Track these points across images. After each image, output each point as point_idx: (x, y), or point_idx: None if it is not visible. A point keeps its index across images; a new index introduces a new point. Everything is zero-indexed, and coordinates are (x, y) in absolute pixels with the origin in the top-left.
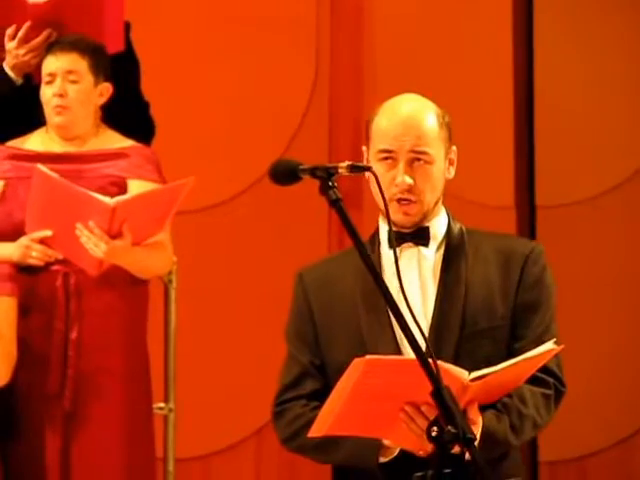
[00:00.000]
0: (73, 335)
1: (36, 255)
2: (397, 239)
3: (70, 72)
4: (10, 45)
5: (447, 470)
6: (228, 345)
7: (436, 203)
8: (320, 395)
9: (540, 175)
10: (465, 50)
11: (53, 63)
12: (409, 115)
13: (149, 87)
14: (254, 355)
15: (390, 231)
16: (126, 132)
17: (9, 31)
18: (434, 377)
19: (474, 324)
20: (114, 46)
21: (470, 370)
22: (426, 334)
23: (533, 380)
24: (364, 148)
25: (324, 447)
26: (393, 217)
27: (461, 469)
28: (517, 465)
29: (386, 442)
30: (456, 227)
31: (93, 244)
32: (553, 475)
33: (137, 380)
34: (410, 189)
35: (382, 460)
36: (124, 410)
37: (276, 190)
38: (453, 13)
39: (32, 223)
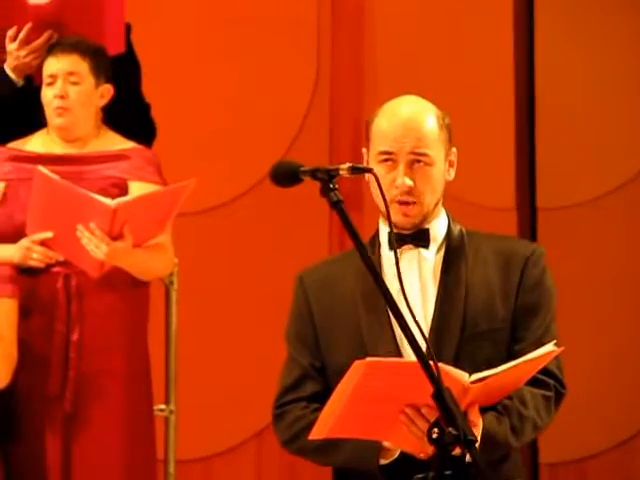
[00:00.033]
0: (74, 337)
1: (37, 257)
2: (397, 241)
3: (71, 74)
4: (11, 46)
5: (448, 472)
6: (229, 347)
7: (436, 205)
8: (320, 397)
9: (541, 177)
10: (466, 51)
11: (54, 65)
12: (409, 117)
13: (150, 89)
14: (255, 357)
15: (391, 232)
16: (127, 134)
17: (10, 32)
18: (435, 378)
19: (474, 326)
20: (115, 48)
21: (470, 372)
22: (426, 336)
23: (533, 382)
24: (364, 150)
25: (324, 449)
26: (393, 218)
27: (462, 471)
28: (517, 467)
29: (386, 444)
30: (456, 229)
31: (94, 246)
32: (553, 477)
33: (138, 382)
34: (410, 191)
35: (383, 462)
36: (125, 412)
37: (277, 192)
38: (454, 14)
39: (33, 225)
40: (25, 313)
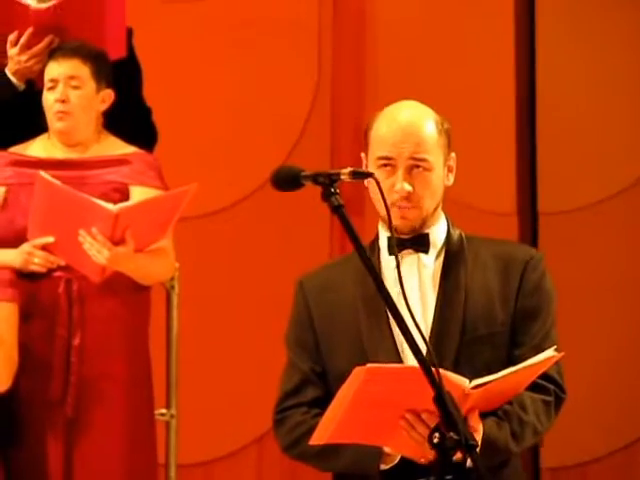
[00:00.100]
0: (75, 341)
1: (38, 262)
2: (397, 246)
3: (72, 78)
4: (12, 51)
5: (449, 477)
6: (230, 351)
7: (435, 210)
8: (321, 402)
9: (542, 181)
10: (467, 55)
11: (55, 69)
12: (408, 122)
13: (151, 93)
14: (256, 361)
15: (392, 237)
16: (128, 138)
17: (11, 37)
18: (436, 383)
19: (474, 330)
20: (116, 52)
21: (470, 376)
22: (427, 340)
23: (533, 387)
24: (363, 155)
25: (325, 455)
26: (392, 222)
27: (462, 476)
28: (518, 472)
29: (387, 449)
30: (455, 233)
31: (96, 251)
32: None
33: (139, 386)
34: (409, 196)
35: (383, 467)
36: (126, 416)
37: (278, 196)
38: (455, 17)
39: (34, 229)
40: (26, 317)
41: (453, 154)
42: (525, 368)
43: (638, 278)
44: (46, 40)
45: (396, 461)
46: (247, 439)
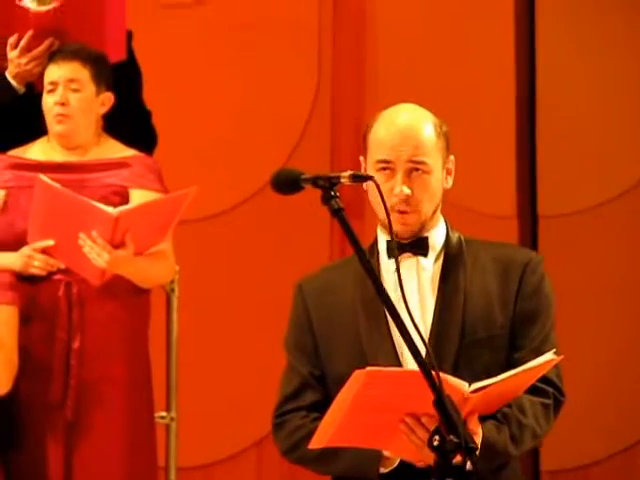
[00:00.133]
0: (75, 344)
1: (38, 265)
2: (396, 249)
3: (72, 81)
4: (12, 54)
5: None
6: (230, 354)
7: (434, 213)
8: (320, 406)
9: (542, 184)
10: (467, 56)
11: (55, 72)
12: (406, 125)
13: (151, 96)
14: (256, 364)
15: (392, 240)
16: (128, 141)
17: (11, 40)
18: (436, 385)
19: (473, 333)
20: (116, 55)
21: (469, 379)
22: (427, 342)
23: (532, 390)
24: (361, 158)
25: (324, 458)
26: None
27: (462, 479)
28: (516, 474)
29: (386, 453)
30: (454, 237)
31: (96, 254)
32: None
33: (139, 389)
34: (408, 199)
35: (382, 471)
36: (126, 419)
37: (278, 199)
38: (455, 18)
39: (34, 233)
40: (26, 320)
41: (452, 157)
42: (524, 371)
43: (638, 281)
44: (46, 43)
45: (395, 464)
46: (247, 442)
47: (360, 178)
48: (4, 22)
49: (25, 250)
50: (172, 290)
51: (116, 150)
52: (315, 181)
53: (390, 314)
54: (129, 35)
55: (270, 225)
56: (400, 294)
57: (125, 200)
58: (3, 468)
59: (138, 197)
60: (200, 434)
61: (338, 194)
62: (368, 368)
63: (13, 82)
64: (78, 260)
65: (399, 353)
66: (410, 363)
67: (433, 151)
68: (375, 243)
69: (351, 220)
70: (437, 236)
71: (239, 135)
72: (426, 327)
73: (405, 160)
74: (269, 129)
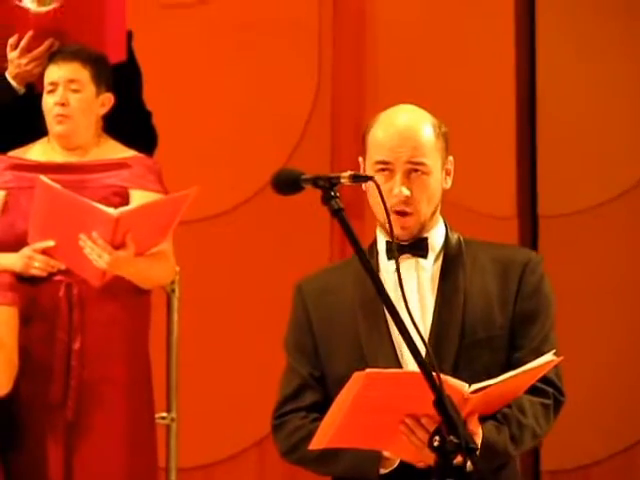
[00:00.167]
0: (76, 345)
1: (38, 265)
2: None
3: (72, 81)
4: (12, 54)
5: None
6: (230, 354)
7: (433, 213)
8: (320, 407)
9: (542, 184)
10: (467, 57)
11: (55, 72)
12: (405, 126)
13: (151, 96)
14: (256, 364)
15: (392, 241)
16: (128, 142)
17: (11, 40)
18: (436, 385)
19: (473, 334)
20: (116, 56)
21: (469, 379)
22: (427, 342)
23: (532, 390)
24: (360, 159)
25: (324, 459)
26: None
27: (463, 479)
28: (516, 474)
29: (386, 454)
30: (454, 237)
31: (96, 255)
32: None
33: (139, 390)
34: (407, 200)
35: (382, 471)
36: (126, 420)
37: (278, 200)
38: (455, 19)
39: (35, 233)
40: (27, 321)
41: (451, 157)
42: (524, 372)
43: (638, 281)
44: (46, 43)
45: (395, 465)
46: (247, 442)
47: (360, 178)
48: (4, 22)
49: (25, 251)
50: (172, 291)
51: (116, 151)
52: (315, 181)
53: (390, 314)
54: (129, 35)
55: (270, 225)
56: (400, 294)
57: (125, 201)
58: (3, 468)
59: (138, 198)
60: (200, 434)
61: (338, 194)
62: (368, 370)
63: (13, 83)
64: (78, 261)
65: (399, 354)
66: (410, 364)
67: (432, 152)
68: (374, 244)
69: (351, 220)
70: (436, 237)
71: (239, 135)
72: (426, 327)
73: (404, 161)
74: (269, 129)
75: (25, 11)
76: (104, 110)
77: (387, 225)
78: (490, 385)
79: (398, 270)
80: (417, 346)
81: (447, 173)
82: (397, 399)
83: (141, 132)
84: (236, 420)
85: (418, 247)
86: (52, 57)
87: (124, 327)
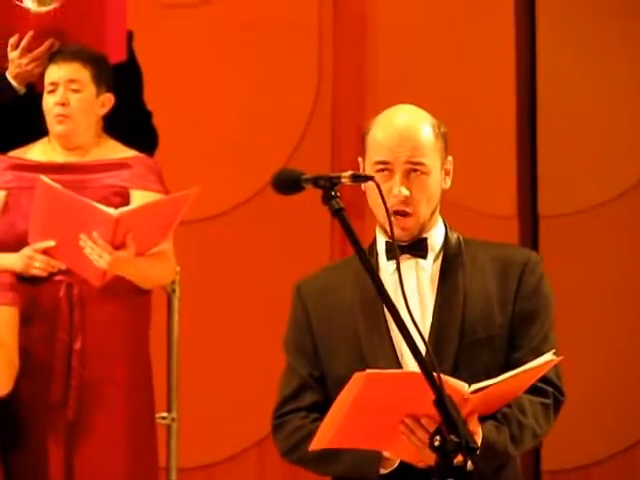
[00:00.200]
0: (76, 345)
1: (39, 265)
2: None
3: (72, 81)
4: (13, 54)
5: None
6: (231, 354)
7: (432, 214)
8: (320, 407)
9: (543, 184)
10: (467, 58)
11: (55, 72)
12: (405, 126)
13: (151, 96)
14: (257, 364)
15: (392, 242)
16: (128, 142)
17: (12, 40)
18: (436, 385)
19: (473, 333)
20: (116, 56)
21: (469, 379)
22: (427, 342)
23: (532, 390)
24: (360, 159)
25: (324, 459)
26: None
27: (463, 479)
28: (516, 474)
29: (386, 454)
30: (453, 237)
31: (97, 255)
32: None
33: (140, 390)
34: (406, 200)
35: (382, 472)
36: (127, 420)
37: (279, 200)
38: (456, 21)
39: (35, 233)
40: (27, 321)
41: (450, 157)
42: (524, 372)
43: (638, 281)
44: (46, 43)
45: (395, 465)
46: (248, 442)
47: (361, 178)
48: (5, 23)
49: (26, 251)
50: (173, 291)
51: (116, 151)
52: (316, 181)
53: (390, 314)
54: (129, 36)
55: (271, 225)
56: (399, 294)
57: (126, 201)
58: (4, 468)
59: (139, 198)
60: (201, 434)
61: (339, 194)
62: (368, 371)
63: (14, 82)
64: (79, 261)
65: (399, 354)
66: (410, 364)
67: (431, 152)
68: (374, 244)
69: (351, 220)
70: (436, 236)
71: (240, 135)
72: (425, 327)
73: (403, 161)
74: (270, 129)
75: (25, 11)
76: (104, 110)
77: (387, 225)
78: (490, 385)
79: (399, 269)
80: (417, 345)
81: (446, 173)
82: (397, 399)
83: (142, 132)
84: (236, 420)
85: (417, 247)
86: (52, 57)
87: (125, 327)
